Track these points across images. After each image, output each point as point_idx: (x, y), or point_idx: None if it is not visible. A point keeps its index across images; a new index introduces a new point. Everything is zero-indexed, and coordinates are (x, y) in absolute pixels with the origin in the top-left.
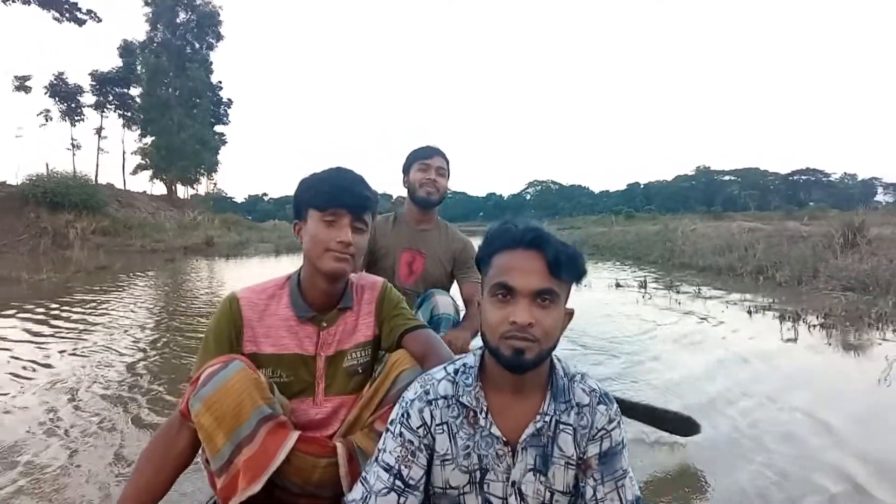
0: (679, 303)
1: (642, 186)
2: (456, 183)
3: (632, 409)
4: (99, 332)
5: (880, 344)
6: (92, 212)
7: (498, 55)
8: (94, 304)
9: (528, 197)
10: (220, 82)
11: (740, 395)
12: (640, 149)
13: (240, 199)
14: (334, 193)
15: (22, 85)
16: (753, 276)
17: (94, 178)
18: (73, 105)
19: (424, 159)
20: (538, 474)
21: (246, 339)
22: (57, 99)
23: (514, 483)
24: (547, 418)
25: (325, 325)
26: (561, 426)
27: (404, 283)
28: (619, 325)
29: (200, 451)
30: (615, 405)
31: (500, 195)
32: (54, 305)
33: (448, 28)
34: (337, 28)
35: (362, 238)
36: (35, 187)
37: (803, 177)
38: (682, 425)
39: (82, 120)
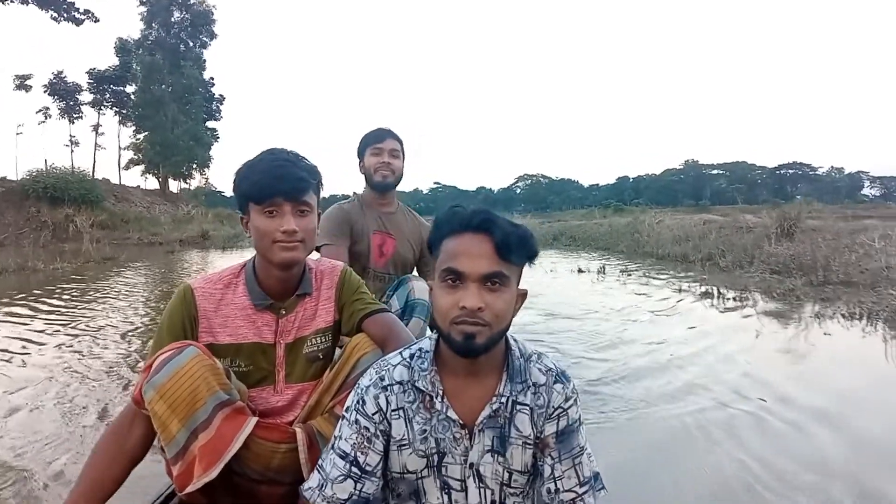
0: (625, 284)
1: (631, 180)
2: (446, 177)
3: None
4: (118, 311)
5: (769, 309)
6: (90, 206)
7: (488, 49)
8: (110, 288)
9: (518, 191)
10: (213, 78)
11: (634, 338)
12: (630, 143)
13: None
14: (269, 184)
15: (22, 84)
16: (702, 263)
17: (91, 174)
18: (71, 103)
19: (377, 143)
20: (496, 455)
21: (201, 329)
22: (56, 97)
23: (471, 465)
24: (503, 399)
25: (283, 312)
26: (518, 406)
27: (376, 266)
28: (568, 299)
29: (157, 439)
30: (572, 383)
31: (491, 189)
32: (74, 288)
33: (438, 22)
34: (325, 23)
35: (308, 220)
36: (35, 182)
37: (790, 170)
38: None
39: (81, 117)
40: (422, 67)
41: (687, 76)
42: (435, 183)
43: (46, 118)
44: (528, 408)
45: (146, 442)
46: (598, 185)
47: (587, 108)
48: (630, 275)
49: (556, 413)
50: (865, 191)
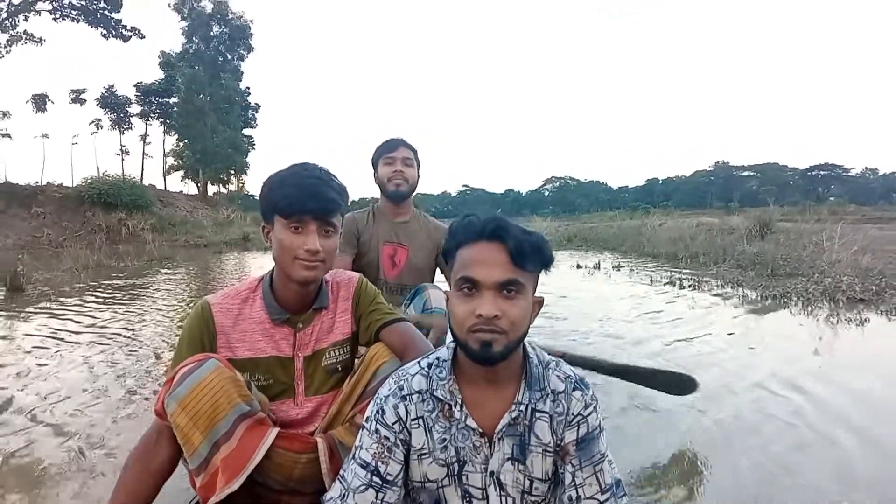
0: (610, 276)
1: (661, 182)
2: (474, 179)
3: (626, 373)
4: (197, 291)
5: (720, 294)
6: (141, 210)
7: (518, 53)
8: (178, 279)
9: (547, 193)
10: (248, 88)
11: (604, 313)
12: (660, 144)
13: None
14: (298, 199)
15: (77, 97)
16: (687, 260)
17: (140, 180)
18: (121, 115)
19: (389, 153)
20: (516, 463)
21: (220, 345)
22: (107, 109)
23: (492, 473)
24: (522, 407)
25: (300, 325)
26: (537, 414)
27: (387, 277)
28: (561, 286)
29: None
30: (590, 390)
31: (519, 191)
32: (149, 279)
33: (467, 25)
34: (354, 26)
35: (332, 241)
36: (91, 188)
37: (822, 172)
38: (678, 384)
39: (130, 128)
40: (451, 71)
41: (718, 76)
42: (463, 186)
43: (98, 129)
44: (547, 415)
45: (173, 457)
46: (627, 187)
47: (616, 109)
48: (619, 270)
49: (575, 420)
50: None
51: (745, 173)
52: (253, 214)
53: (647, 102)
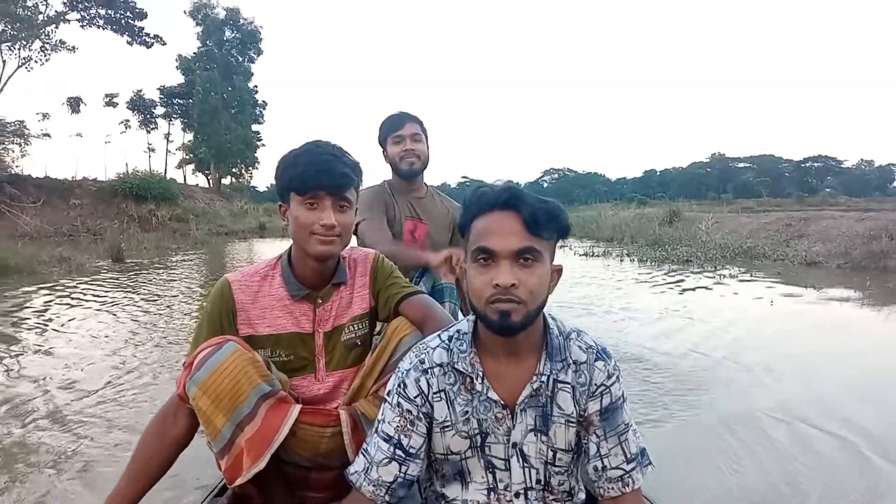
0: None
1: (658, 173)
2: (474, 171)
3: None
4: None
5: (611, 255)
6: (167, 203)
7: (515, 43)
8: (221, 254)
9: (545, 185)
10: (256, 87)
11: None
12: (657, 136)
13: (262, 187)
14: (312, 176)
15: (110, 101)
16: (620, 241)
17: (164, 175)
18: (148, 116)
19: (396, 131)
20: (539, 434)
21: (240, 322)
22: (136, 111)
23: (514, 444)
24: (544, 378)
25: (320, 301)
26: (559, 385)
27: None
28: None
29: (204, 435)
30: (613, 360)
31: (518, 183)
32: (197, 254)
33: (467, 17)
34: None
35: (347, 216)
36: (123, 183)
37: (816, 163)
38: None
39: (156, 128)
40: (451, 63)
41: (715, 69)
42: (463, 177)
43: (127, 129)
44: (569, 386)
45: (191, 429)
46: (625, 178)
47: (614, 101)
48: (561, 248)
49: (598, 391)
50: None
51: (741, 164)
52: (264, 206)
53: (646, 94)
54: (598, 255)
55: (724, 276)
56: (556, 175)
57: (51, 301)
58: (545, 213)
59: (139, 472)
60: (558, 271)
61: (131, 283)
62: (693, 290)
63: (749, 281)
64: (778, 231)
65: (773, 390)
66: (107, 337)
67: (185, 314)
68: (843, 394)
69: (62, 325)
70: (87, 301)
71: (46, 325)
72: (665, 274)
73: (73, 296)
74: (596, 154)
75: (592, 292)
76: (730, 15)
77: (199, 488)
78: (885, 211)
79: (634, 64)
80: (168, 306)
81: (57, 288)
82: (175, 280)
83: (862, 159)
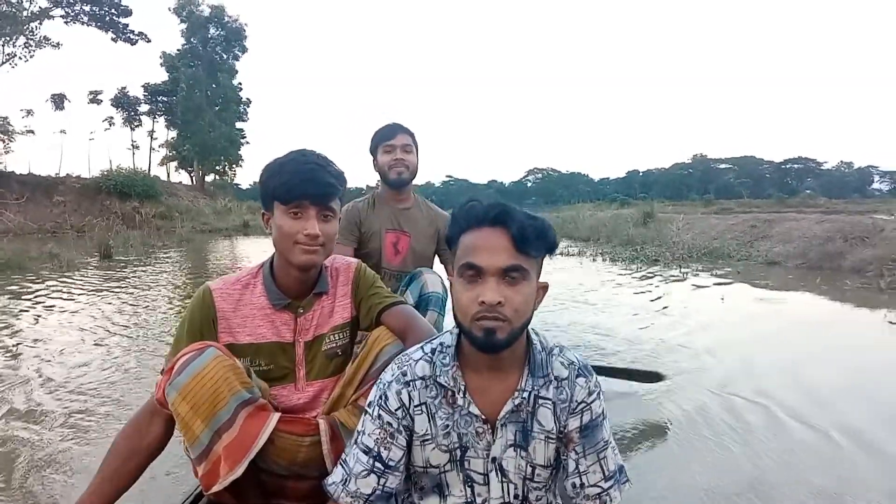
0: None
1: (641, 174)
2: (458, 170)
3: (605, 370)
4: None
5: (586, 254)
6: (151, 200)
7: (498, 42)
8: (216, 252)
9: (529, 184)
10: (240, 84)
11: None
12: (640, 137)
13: (245, 185)
14: (297, 185)
15: (95, 98)
16: (596, 241)
17: (148, 172)
18: (132, 113)
19: (387, 140)
20: (518, 449)
21: (221, 330)
22: (120, 108)
23: (494, 459)
24: (525, 394)
25: (301, 311)
26: (540, 401)
27: (390, 264)
28: None
29: (181, 441)
30: (594, 377)
31: (502, 182)
32: (181, 251)
33: (450, 17)
34: (336, 19)
35: (331, 225)
36: (107, 180)
37: (796, 165)
38: (648, 377)
39: (140, 125)
40: (434, 62)
41: (696, 70)
42: (447, 176)
43: (111, 126)
44: (550, 402)
45: (164, 437)
46: (608, 178)
47: (597, 101)
48: None
49: (579, 407)
50: (876, 185)
51: (723, 166)
52: (248, 203)
53: (629, 95)
54: (572, 255)
55: (687, 274)
56: (539, 175)
57: (43, 295)
58: (533, 230)
59: (111, 476)
60: (544, 288)
61: (122, 278)
62: (654, 285)
63: (706, 279)
64: (743, 232)
65: (718, 370)
66: (94, 332)
67: (172, 309)
68: (769, 370)
69: (57, 319)
70: (78, 295)
71: (38, 319)
72: (631, 272)
73: (65, 290)
74: (579, 154)
75: (555, 289)
76: (713, 17)
77: (174, 496)
78: (849, 213)
79: (619, 64)
80: (157, 300)
81: (49, 283)
82: (164, 274)
83: (841, 161)
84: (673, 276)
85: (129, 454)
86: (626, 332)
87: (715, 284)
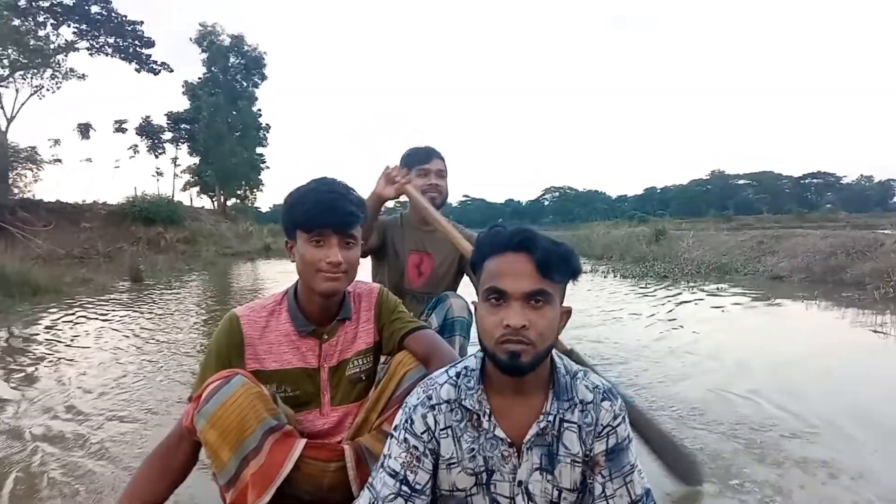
0: None
1: (658, 191)
2: (474, 189)
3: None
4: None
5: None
6: (175, 225)
7: (517, 63)
8: (228, 275)
9: (546, 203)
10: (260, 110)
11: None
12: (657, 153)
13: (265, 208)
14: (318, 215)
15: (120, 127)
16: (609, 258)
17: (172, 198)
18: (156, 141)
19: (423, 164)
20: (545, 473)
21: (248, 357)
22: (144, 137)
23: (520, 483)
24: (550, 418)
25: (325, 337)
26: (565, 424)
27: (413, 286)
28: None
29: (209, 467)
30: (619, 400)
31: (519, 201)
32: (205, 275)
33: (468, 39)
34: (353, 37)
35: (353, 252)
36: (133, 206)
37: (815, 180)
38: (683, 466)
39: (164, 152)
40: (452, 82)
41: (715, 84)
42: (464, 196)
43: (135, 153)
44: (575, 426)
45: (191, 462)
46: (625, 196)
47: (614, 119)
48: None
49: (605, 431)
50: None
51: (741, 181)
52: (268, 226)
53: (646, 111)
54: (585, 272)
55: (694, 289)
56: (556, 193)
57: (82, 316)
58: (557, 256)
59: (140, 494)
60: (567, 313)
61: (152, 301)
62: (661, 300)
63: (713, 293)
64: (751, 248)
65: (715, 376)
66: (126, 350)
67: (200, 328)
68: (760, 373)
69: (94, 340)
70: (112, 315)
71: (74, 338)
72: (641, 287)
73: (100, 311)
74: (597, 172)
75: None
76: (730, 32)
77: None
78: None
79: (636, 82)
80: (187, 319)
81: (87, 305)
82: (190, 297)
83: (862, 175)
84: (679, 290)
85: (158, 477)
86: (627, 341)
87: (719, 297)
